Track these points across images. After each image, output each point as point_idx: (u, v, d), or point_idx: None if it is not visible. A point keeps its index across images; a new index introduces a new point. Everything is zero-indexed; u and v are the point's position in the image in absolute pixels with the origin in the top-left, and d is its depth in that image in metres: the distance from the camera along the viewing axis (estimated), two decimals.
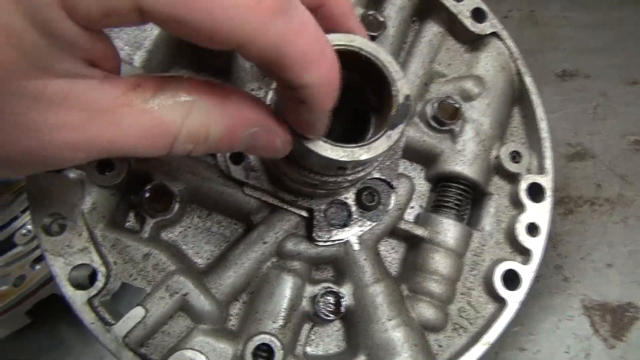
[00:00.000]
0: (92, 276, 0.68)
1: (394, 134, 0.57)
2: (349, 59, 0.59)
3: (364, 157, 0.55)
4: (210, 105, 0.46)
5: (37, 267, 1.06)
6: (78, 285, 0.67)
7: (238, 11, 0.38)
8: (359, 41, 0.57)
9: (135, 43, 0.73)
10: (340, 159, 0.55)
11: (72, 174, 0.69)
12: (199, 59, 0.81)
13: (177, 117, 0.44)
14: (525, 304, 0.77)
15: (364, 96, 0.65)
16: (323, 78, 0.46)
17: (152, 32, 0.75)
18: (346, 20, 0.60)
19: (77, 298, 0.66)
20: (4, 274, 1.07)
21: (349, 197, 0.74)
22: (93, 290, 0.66)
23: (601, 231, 1.00)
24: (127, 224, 0.76)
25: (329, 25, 0.60)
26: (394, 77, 0.58)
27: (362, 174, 0.65)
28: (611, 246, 0.98)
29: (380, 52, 0.58)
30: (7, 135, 0.41)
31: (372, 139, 0.56)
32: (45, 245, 0.66)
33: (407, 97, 0.58)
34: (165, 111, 0.44)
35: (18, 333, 1.04)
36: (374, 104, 0.65)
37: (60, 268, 0.66)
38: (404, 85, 0.58)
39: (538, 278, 0.78)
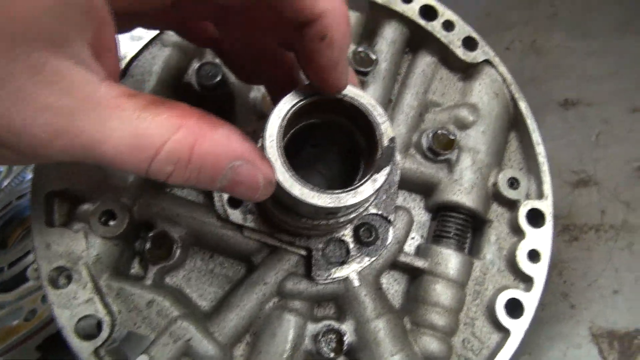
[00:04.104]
0: (99, 325, 0.70)
1: (380, 177, 0.57)
2: (333, 105, 0.60)
3: (350, 202, 0.56)
4: (198, 130, 0.46)
5: None
6: (85, 335, 0.69)
7: None
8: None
9: (137, 87, 0.76)
10: (327, 206, 0.56)
11: (76, 226, 0.72)
12: (202, 101, 0.83)
13: (163, 132, 0.45)
14: (532, 332, 0.76)
15: (352, 138, 0.67)
16: (337, 6, 0.50)
17: (150, 82, 0.78)
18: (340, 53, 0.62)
19: (83, 349, 0.67)
20: (16, 308, 1.09)
21: (347, 234, 0.75)
22: (99, 341, 0.68)
23: (606, 258, 0.99)
24: (132, 270, 0.78)
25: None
26: (378, 121, 0.59)
27: (353, 215, 0.66)
28: (617, 272, 0.97)
29: (363, 97, 0.59)
30: None
31: (358, 184, 0.57)
32: (51, 298, 0.68)
33: (392, 140, 0.59)
34: (153, 124, 0.44)
35: None
36: (362, 145, 0.66)
37: (66, 320, 0.68)
38: (388, 127, 0.59)
39: (544, 306, 0.78)
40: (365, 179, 0.57)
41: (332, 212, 0.60)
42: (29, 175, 1.39)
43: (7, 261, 1.19)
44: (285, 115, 0.57)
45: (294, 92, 0.58)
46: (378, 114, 0.59)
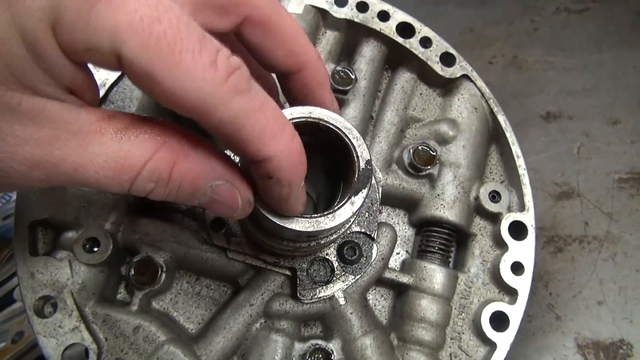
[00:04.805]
0: (87, 353, 0.70)
1: (358, 199, 0.58)
2: (310, 128, 0.61)
3: (329, 225, 0.57)
4: (179, 149, 0.47)
5: None
6: None
7: (205, 84, 0.42)
8: (318, 112, 0.60)
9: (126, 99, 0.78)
10: (306, 230, 0.56)
11: (61, 254, 0.72)
12: (183, 125, 0.84)
13: (144, 153, 0.45)
14: (519, 344, 0.77)
15: (331, 160, 0.67)
16: (283, 151, 0.48)
17: (131, 109, 0.79)
18: (320, 90, 0.63)
19: None
20: (3, 331, 1.08)
21: (331, 253, 0.75)
22: None
23: (591, 269, 1.00)
24: (119, 295, 0.78)
25: (302, 92, 0.62)
26: (354, 144, 0.60)
27: (335, 235, 0.66)
28: (601, 283, 0.98)
29: (339, 121, 0.60)
30: None
31: (336, 207, 0.58)
32: (37, 327, 0.69)
33: (368, 162, 0.59)
34: (134, 145, 0.45)
35: None
36: (342, 168, 0.66)
37: (52, 349, 0.68)
38: (364, 150, 0.60)
39: (530, 318, 0.79)
40: (343, 201, 0.58)
41: (312, 236, 0.61)
42: (15, 196, 1.37)
43: None
44: None
45: None
46: (354, 137, 0.60)
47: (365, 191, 0.58)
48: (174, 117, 0.81)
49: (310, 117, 0.59)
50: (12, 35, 0.39)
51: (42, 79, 0.42)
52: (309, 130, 0.62)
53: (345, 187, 0.64)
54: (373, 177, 0.75)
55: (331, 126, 0.60)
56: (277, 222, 0.56)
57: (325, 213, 0.57)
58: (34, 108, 0.42)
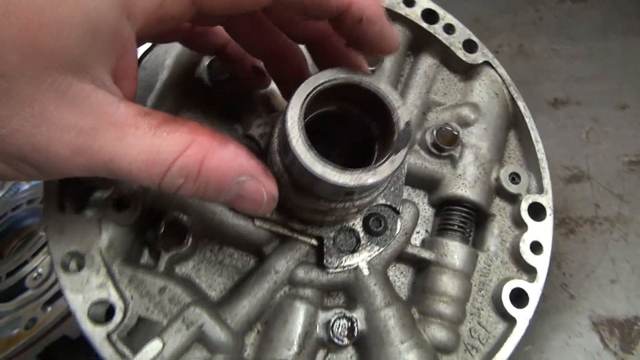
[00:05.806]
0: (109, 312, 0.70)
1: (398, 158, 0.59)
2: (349, 92, 0.63)
3: (370, 181, 0.58)
4: (208, 147, 0.50)
5: (49, 309, 1.08)
6: (96, 322, 0.68)
7: None
8: (359, 74, 0.61)
9: (148, 86, 0.78)
10: (348, 184, 0.57)
11: (90, 213, 0.72)
12: (213, 95, 0.85)
13: (174, 149, 0.48)
14: (534, 323, 0.78)
15: (366, 126, 0.69)
16: None
17: (163, 75, 0.80)
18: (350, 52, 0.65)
19: (96, 334, 0.67)
20: (16, 317, 1.10)
21: (357, 224, 0.76)
22: (111, 325, 0.68)
23: (603, 249, 1.03)
24: (142, 260, 0.78)
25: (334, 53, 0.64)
26: (394, 105, 0.61)
27: (367, 199, 0.67)
28: (614, 263, 1.00)
29: (380, 83, 0.61)
30: (22, 123, 0.43)
31: (378, 164, 0.59)
32: (64, 282, 0.68)
33: (408, 123, 0.61)
34: (165, 142, 0.48)
35: None
36: (376, 133, 0.68)
37: (79, 304, 0.68)
38: (404, 112, 0.61)
39: (545, 297, 0.80)
40: (383, 159, 0.59)
41: (350, 193, 0.62)
42: (24, 187, 1.39)
43: (4, 271, 1.21)
44: (307, 97, 0.59)
45: (314, 77, 0.60)
46: (394, 99, 0.61)
47: (405, 150, 0.60)
48: (207, 90, 0.83)
49: (350, 79, 0.61)
50: (74, 15, 0.41)
51: (95, 62, 0.45)
52: (348, 94, 0.63)
53: (383, 149, 0.66)
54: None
55: (372, 88, 0.61)
56: (320, 175, 0.57)
57: (366, 168, 0.58)
58: (80, 94, 0.44)
